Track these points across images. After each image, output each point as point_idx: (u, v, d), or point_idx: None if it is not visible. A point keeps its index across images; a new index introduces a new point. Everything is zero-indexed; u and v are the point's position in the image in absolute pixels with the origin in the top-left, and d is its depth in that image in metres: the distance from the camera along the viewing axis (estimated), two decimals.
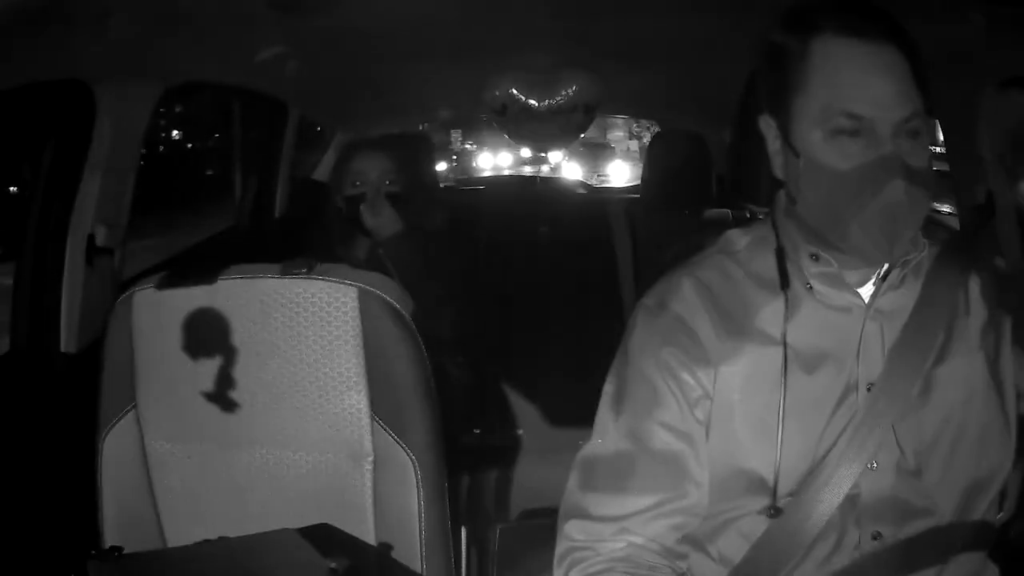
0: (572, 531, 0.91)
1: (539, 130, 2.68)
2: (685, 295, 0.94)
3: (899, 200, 0.82)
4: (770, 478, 0.88)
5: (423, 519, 1.27)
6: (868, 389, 0.89)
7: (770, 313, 0.91)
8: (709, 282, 0.94)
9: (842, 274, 0.91)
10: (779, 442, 0.87)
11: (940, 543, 0.89)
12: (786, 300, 0.91)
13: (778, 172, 0.92)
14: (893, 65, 0.83)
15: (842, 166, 0.83)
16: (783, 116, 0.88)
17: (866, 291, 0.92)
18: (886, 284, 0.91)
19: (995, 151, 1.63)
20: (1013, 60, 1.47)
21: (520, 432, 2.46)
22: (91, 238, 1.59)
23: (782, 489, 0.88)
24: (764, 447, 0.88)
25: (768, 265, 0.94)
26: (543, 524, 0.98)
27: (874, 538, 0.88)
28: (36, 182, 1.61)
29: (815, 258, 0.91)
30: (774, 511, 0.88)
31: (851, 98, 0.83)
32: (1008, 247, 1.63)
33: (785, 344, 0.89)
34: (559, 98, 2.59)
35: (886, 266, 0.91)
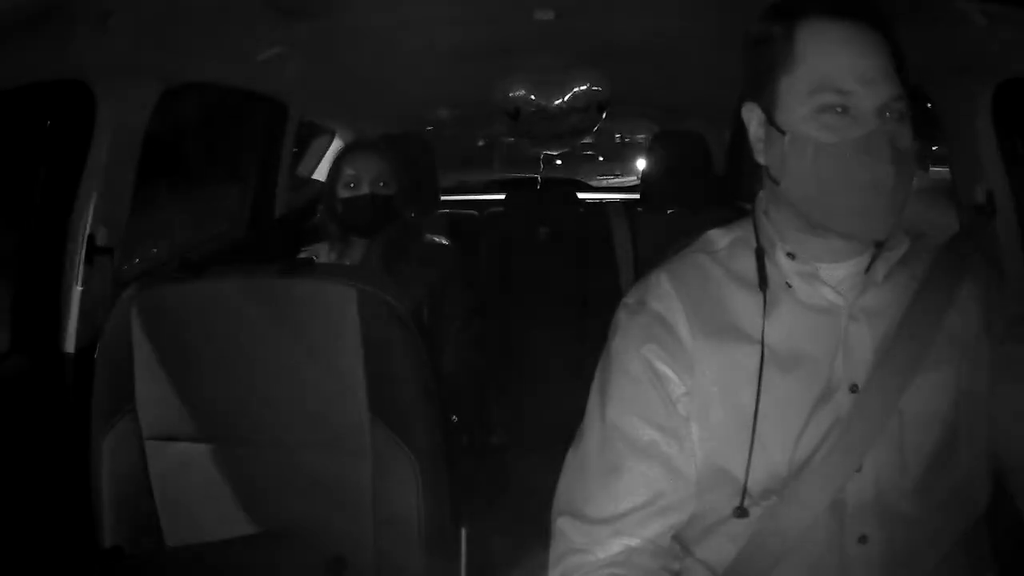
0: (566, 531, 0.91)
1: (553, 130, 2.68)
2: (664, 293, 0.94)
3: (885, 177, 0.82)
4: (741, 478, 0.88)
5: (423, 519, 1.27)
6: (852, 390, 0.89)
7: (749, 312, 0.91)
8: (689, 280, 0.95)
9: (819, 272, 0.91)
10: (752, 442, 0.87)
11: (926, 546, 0.89)
12: (765, 299, 0.91)
13: (760, 158, 0.92)
14: (878, 46, 0.84)
15: (828, 140, 0.84)
16: (768, 98, 0.89)
17: (848, 289, 0.91)
18: (867, 280, 0.91)
19: (995, 151, 1.63)
20: (1013, 60, 1.47)
21: (521, 432, 2.46)
22: (91, 238, 1.59)
23: (754, 489, 0.88)
24: (740, 447, 0.88)
25: (748, 264, 0.94)
26: (542, 524, 0.98)
27: (860, 541, 0.88)
28: (36, 182, 1.61)
29: (791, 257, 0.91)
30: (740, 511, 0.88)
31: (838, 74, 0.83)
32: (1008, 247, 1.63)
33: (763, 343, 0.89)
34: (571, 97, 2.59)
35: (866, 263, 0.91)
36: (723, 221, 1.03)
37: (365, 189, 1.85)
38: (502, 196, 3.12)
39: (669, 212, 2.67)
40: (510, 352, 2.65)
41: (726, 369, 0.90)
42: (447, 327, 1.88)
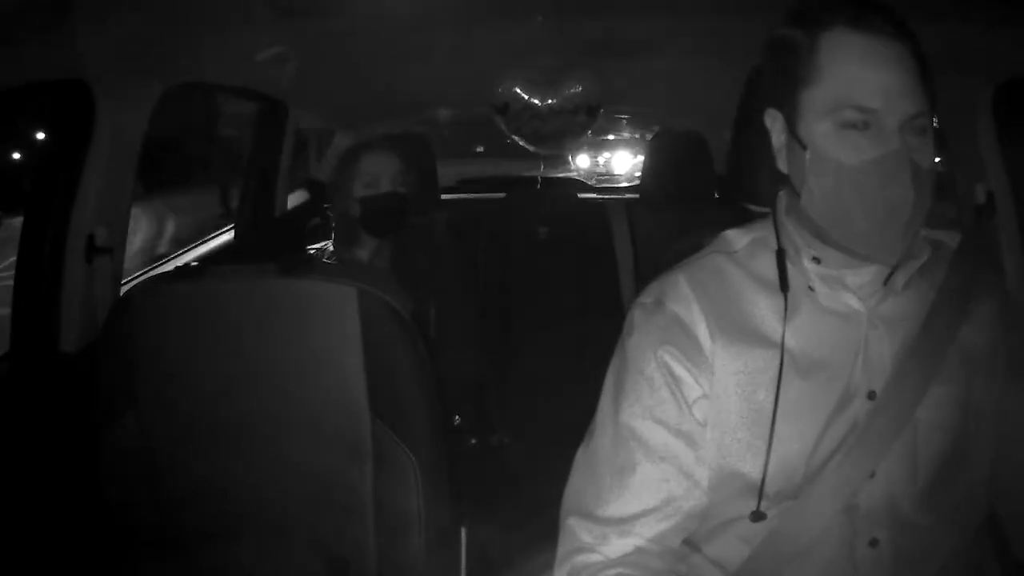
0: (575, 530, 0.91)
1: (541, 129, 2.67)
2: (682, 294, 0.93)
3: (905, 195, 0.82)
4: (758, 482, 0.88)
5: (423, 519, 1.26)
6: (870, 397, 0.89)
7: (769, 315, 0.91)
8: (706, 282, 0.94)
9: (843, 277, 0.90)
10: (769, 446, 0.87)
11: (934, 550, 0.89)
12: (785, 302, 0.90)
13: (782, 166, 0.91)
14: (902, 61, 0.83)
15: (850, 159, 0.83)
16: (789, 109, 0.88)
17: (868, 296, 0.91)
18: (887, 288, 0.90)
19: (995, 151, 1.64)
20: (1013, 60, 1.47)
21: (521, 431, 2.46)
22: (91, 238, 1.58)
23: (769, 492, 0.88)
24: (756, 450, 0.88)
25: (768, 266, 0.93)
26: (543, 524, 0.98)
27: (871, 544, 0.88)
28: (36, 182, 1.61)
29: (817, 261, 0.91)
30: (756, 515, 0.88)
31: (861, 91, 0.82)
32: (1008, 247, 1.63)
33: (783, 347, 0.89)
34: (562, 98, 2.58)
35: (887, 270, 0.91)
36: (723, 220, 1.02)
37: (386, 187, 1.84)
38: (502, 196, 3.11)
39: (669, 212, 2.68)
40: (510, 352, 2.64)
41: (744, 372, 0.89)
42: (450, 327, 1.88)
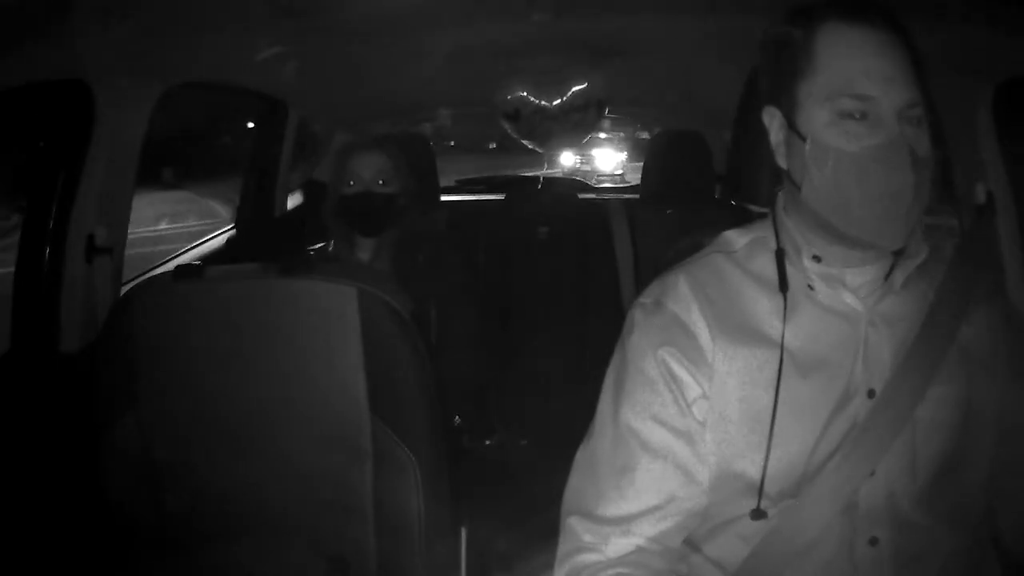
0: (576, 529, 0.91)
1: (553, 130, 2.67)
2: (682, 294, 0.93)
3: (905, 180, 0.82)
4: (758, 481, 0.88)
5: (423, 519, 1.27)
6: (869, 395, 0.89)
7: (768, 314, 0.91)
8: (706, 282, 0.94)
9: (844, 276, 0.91)
10: (769, 445, 0.87)
11: (934, 549, 0.90)
12: (785, 302, 0.91)
13: (782, 162, 0.92)
14: (896, 50, 0.84)
15: (849, 147, 0.84)
16: (788, 103, 0.89)
17: (868, 295, 0.91)
18: (886, 287, 0.91)
19: (995, 151, 1.64)
20: (1013, 60, 1.47)
21: (520, 432, 2.47)
22: (91, 238, 1.58)
23: (770, 491, 0.88)
24: (756, 449, 0.88)
25: (767, 266, 0.94)
26: (543, 524, 0.98)
27: (871, 543, 0.89)
28: (36, 182, 1.61)
29: (817, 259, 0.91)
30: (756, 514, 0.89)
31: (857, 79, 0.84)
32: (1008, 247, 1.63)
33: (782, 346, 0.89)
34: (571, 96, 2.59)
35: (885, 269, 0.91)
36: (723, 220, 1.02)
37: (365, 187, 1.84)
38: (502, 196, 3.11)
39: (669, 212, 2.68)
40: (510, 352, 2.65)
41: (745, 372, 0.90)
42: (450, 327, 1.88)
